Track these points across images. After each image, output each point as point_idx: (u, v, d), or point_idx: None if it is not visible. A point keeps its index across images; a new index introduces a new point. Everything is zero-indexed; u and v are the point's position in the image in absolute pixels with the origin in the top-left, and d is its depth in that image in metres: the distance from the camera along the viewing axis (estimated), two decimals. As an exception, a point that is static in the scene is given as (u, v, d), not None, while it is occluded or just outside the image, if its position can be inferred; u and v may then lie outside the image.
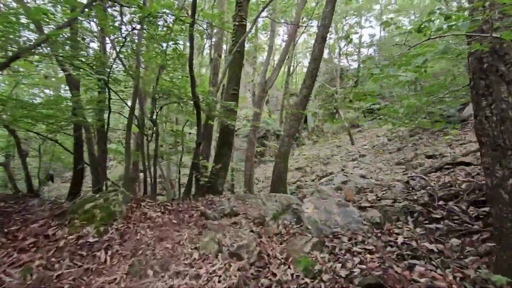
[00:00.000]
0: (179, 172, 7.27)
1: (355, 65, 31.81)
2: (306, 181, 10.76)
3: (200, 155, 6.42)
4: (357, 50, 29.84)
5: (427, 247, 3.03)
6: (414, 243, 3.11)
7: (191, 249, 3.59)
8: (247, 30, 7.43)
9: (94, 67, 5.36)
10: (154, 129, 7.18)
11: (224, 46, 16.11)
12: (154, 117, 6.67)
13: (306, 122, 27.66)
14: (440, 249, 2.97)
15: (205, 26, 9.55)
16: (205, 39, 14.39)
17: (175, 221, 4.52)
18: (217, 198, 6.28)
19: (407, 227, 3.47)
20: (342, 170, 9.87)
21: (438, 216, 3.50)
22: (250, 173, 11.06)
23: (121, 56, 5.77)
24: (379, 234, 3.38)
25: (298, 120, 6.72)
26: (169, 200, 5.76)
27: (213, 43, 11.36)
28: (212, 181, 6.73)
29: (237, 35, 7.39)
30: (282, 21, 13.76)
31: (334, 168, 11.19)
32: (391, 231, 3.43)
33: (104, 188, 6.02)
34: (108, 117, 5.46)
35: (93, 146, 6.00)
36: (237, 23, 7.39)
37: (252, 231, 4.17)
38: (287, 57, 14.56)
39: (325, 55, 33.79)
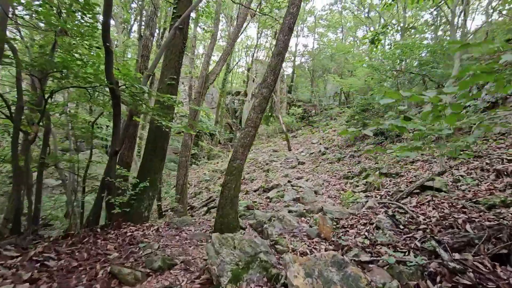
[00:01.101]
0: (84, 191, 4.92)
1: (289, 70, 32.41)
2: (247, 191, 9.41)
3: (115, 168, 4.31)
4: (292, 57, 30.34)
5: None
6: None
7: None
8: (194, 2, 5.58)
9: None
10: (44, 123, 4.69)
11: (157, 31, 13.48)
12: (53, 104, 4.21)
13: (240, 122, 26.68)
14: None
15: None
16: (133, 14, 11.61)
17: (57, 299, 2.48)
18: (141, 231, 4.29)
19: (434, 301, 2.40)
20: (289, 182, 8.85)
21: (467, 282, 2.50)
22: (183, 182, 9.08)
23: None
24: (407, 321, 2.20)
25: (255, 127, 5.24)
26: (57, 242, 3.51)
27: (144, 19, 8.98)
28: (134, 204, 4.68)
29: (180, 7, 5.47)
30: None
31: (277, 178, 10.14)
32: (418, 311, 2.30)
33: None
34: None
35: None
36: (180, -8, 5.47)
37: (201, 311, 2.49)
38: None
39: (261, 57, 33.49)
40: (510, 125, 5.41)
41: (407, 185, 5.42)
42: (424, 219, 3.71)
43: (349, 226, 3.95)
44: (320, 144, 16.39)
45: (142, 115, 7.98)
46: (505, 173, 4.73)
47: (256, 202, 6.62)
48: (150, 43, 7.46)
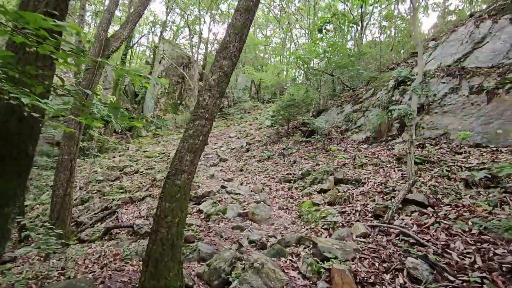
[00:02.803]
0: None
1: (200, 58, 29.80)
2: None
3: None
4: (204, 44, 27.89)
5: None
6: None
7: None
8: None
9: None
10: None
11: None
12: None
13: (142, 109, 22.62)
14: None
15: None
16: None
17: None
18: None
19: None
20: (223, 187, 7.02)
21: None
22: (65, 192, 5.93)
23: None
24: None
25: (211, 118, 3.23)
26: None
27: None
28: None
29: None
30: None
31: (203, 181, 8.15)
32: None
33: None
34: None
35: None
36: None
37: None
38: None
39: (167, 37, 29.40)
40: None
41: (382, 197, 4.60)
42: (462, 258, 2.74)
43: (371, 277, 2.60)
44: (238, 138, 15.13)
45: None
46: (474, 183, 4.47)
47: (192, 225, 4.55)
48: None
